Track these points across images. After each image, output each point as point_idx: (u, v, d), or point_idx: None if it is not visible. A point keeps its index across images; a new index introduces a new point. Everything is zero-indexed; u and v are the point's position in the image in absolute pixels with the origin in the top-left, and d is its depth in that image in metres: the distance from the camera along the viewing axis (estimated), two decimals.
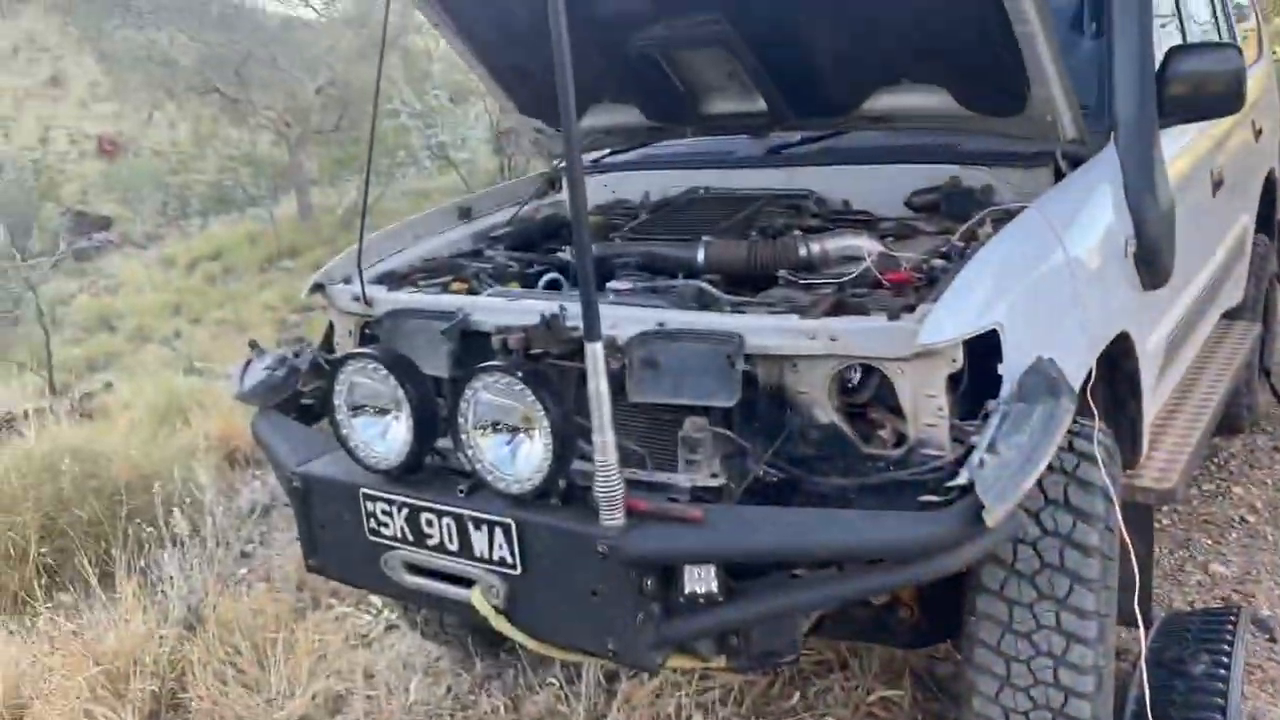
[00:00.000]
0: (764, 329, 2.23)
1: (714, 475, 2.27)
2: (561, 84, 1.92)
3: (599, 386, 2.04)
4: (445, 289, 2.84)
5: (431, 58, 17.39)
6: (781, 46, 2.85)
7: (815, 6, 2.69)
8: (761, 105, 3.05)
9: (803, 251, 2.63)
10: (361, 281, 2.85)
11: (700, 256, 2.71)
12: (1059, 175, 2.76)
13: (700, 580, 2.14)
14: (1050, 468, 2.17)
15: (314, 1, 18.66)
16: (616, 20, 2.95)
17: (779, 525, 2.14)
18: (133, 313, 13.06)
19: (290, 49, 17.72)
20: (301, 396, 2.98)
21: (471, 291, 2.79)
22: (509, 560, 2.25)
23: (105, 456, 4.65)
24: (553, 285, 2.86)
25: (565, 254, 3.08)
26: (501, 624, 2.28)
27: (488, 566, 2.28)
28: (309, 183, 18.51)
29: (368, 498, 2.43)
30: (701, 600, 2.14)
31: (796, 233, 2.73)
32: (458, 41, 3.32)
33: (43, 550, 4.17)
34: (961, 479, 1.93)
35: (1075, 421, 2.24)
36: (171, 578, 3.82)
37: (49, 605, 3.89)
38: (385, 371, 2.41)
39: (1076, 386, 2.27)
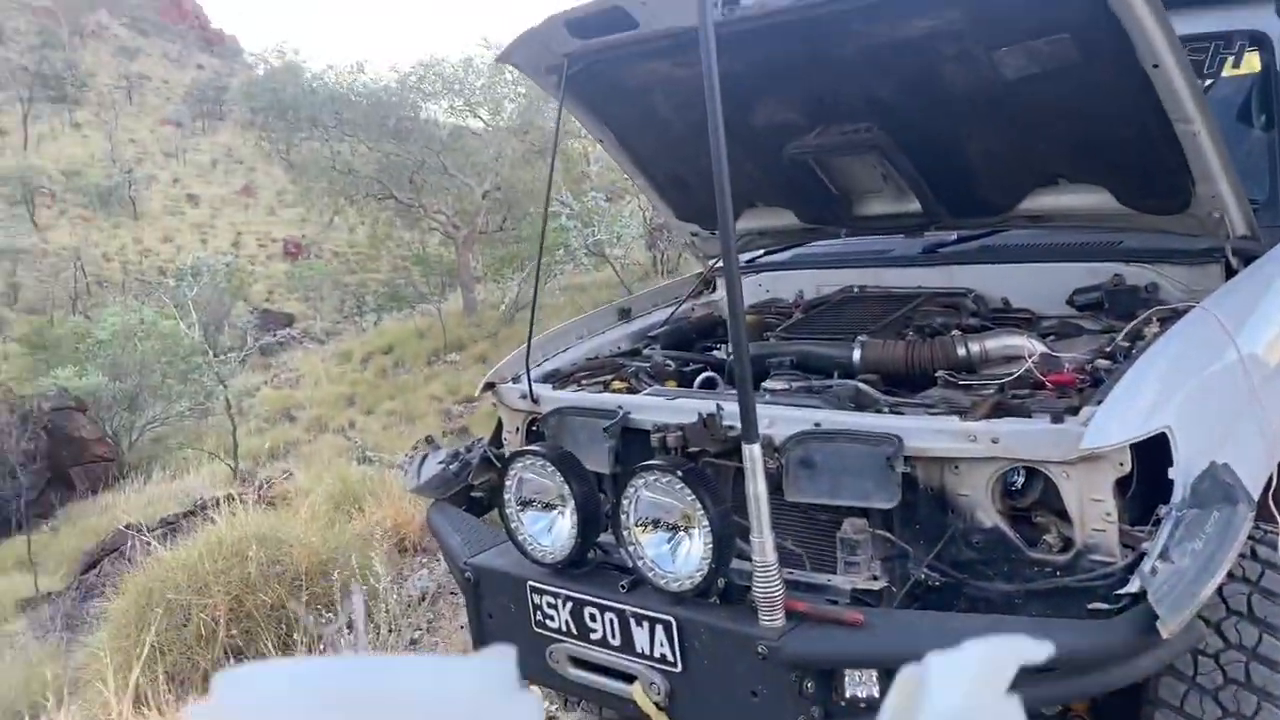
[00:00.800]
0: (923, 430, 2.23)
1: (874, 578, 2.26)
2: (719, 191, 2.01)
3: (757, 488, 2.08)
4: (606, 387, 2.95)
5: (589, 160, 18.08)
6: (934, 149, 2.89)
7: (968, 112, 2.73)
8: (915, 206, 3.09)
9: (962, 351, 2.62)
10: (529, 381, 2.99)
11: (856, 356, 2.74)
12: (1230, 272, 2.68)
13: (861, 684, 2.12)
14: (1231, 576, 2.08)
15: (481, 112, 19.71)
16: (770, 130, 3.05)
17: (942, 631, 2.11)
18: (312, 404, 13.80)
19: (459, 156, 18.74)
20: (472, 490, 3.13)
21: (631, 390, 2.89)
22: (669, 657, 2.29)
23: (287, 543, 4.92)
24: (709, 384, 2.94)
25: (721, 353, 3.15)
26: None
27: (649, 663, 2.32)
28: (474, 280, 19.34)
29: (534, 590, 2.51)
30: (863, 705, 2.13)
31: (955, 332, 2.73)
32: (618, 153, 3.49)
33: (231, 632, 4.43)
34: (1133, 587, 1.87)
35: (1257, 527, 2.15)
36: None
37: None
38: (552, 468, 2.51)
39: (1256, 490, 2.17)
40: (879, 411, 2.41)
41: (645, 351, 3.28)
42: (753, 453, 2.08)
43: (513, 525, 2.61)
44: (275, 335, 20.03)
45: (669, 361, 3.09)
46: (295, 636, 4.14)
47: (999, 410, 2.28)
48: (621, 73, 3.05)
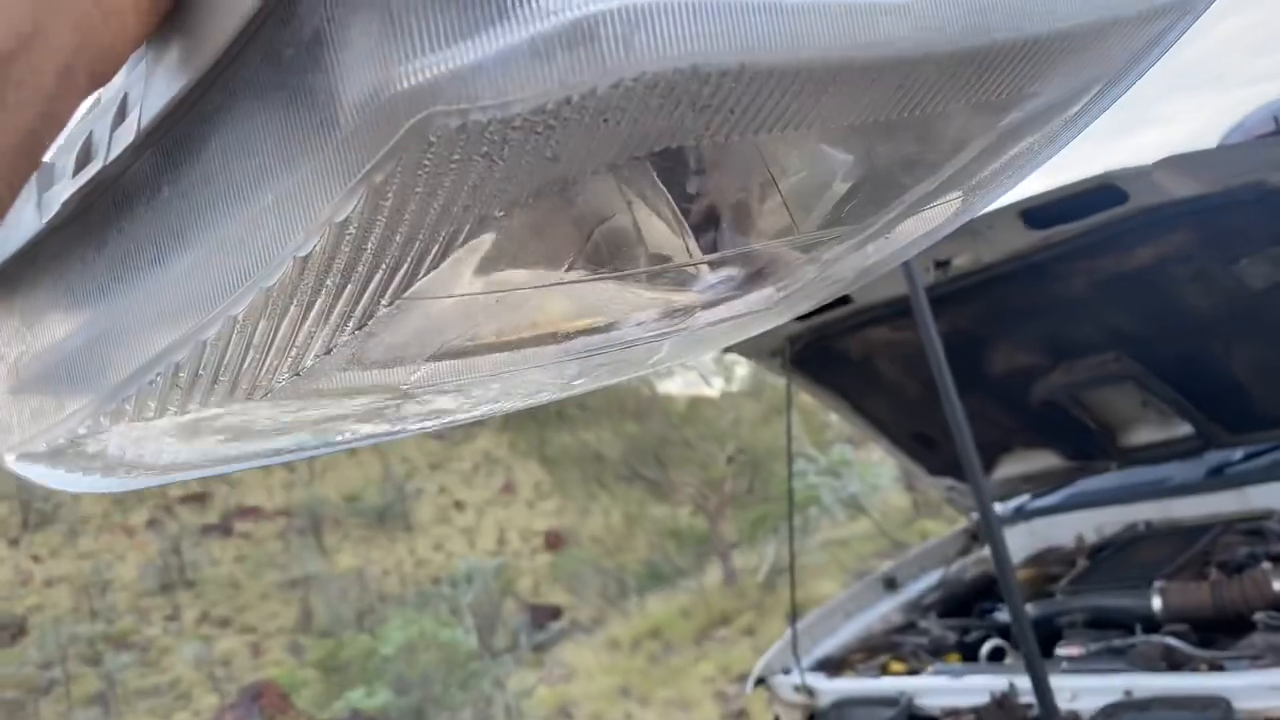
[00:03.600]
0: (1256, 689, 1.97)
1: None
2: (963, 450, 1.94)
3: None
4: (884, 670, 2.79)
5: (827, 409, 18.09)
6: (1193, 369, 2.72)
7: (1221, 327, 2.57)
8: (1187, 429, 2.88)
9: (1278, 586, 2.34)
10: (800, 672, 2.87)
11: (1157, 605, 2.49)
12: None
13: None
14: None
15: (714, 380, 20.34)
16: (1012, 374, 2.97)
17: None
18: (586, 698, 13.77)
19: (699, 426, 19.23)
20: None
21: (912, 670, 2.72)
22: None
23: None
24: (997, 654, 2.73)
25: (1002, 614, 2.94)
26: None
27: None
28: (730, 548, 19.26)
29: None
30: None
31: (1265, 564, 2.45)
32: (854, 419, 3.47)
33: None
34: None
35: None
36: None
37: None
38: None
39: None
40: (1196, 670, 2.16)
41: (920, 624, 3.11)
42: None
43: None
44: (545, 629, 20.43)
45: (948, 632, 2.91)
46: None
47: None
48: (843, 345, 3.08)
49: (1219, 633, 2.34)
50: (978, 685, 2.38)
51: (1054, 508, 3.38)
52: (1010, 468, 3.36)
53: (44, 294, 0.39)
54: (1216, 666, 2.14)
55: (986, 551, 3.48)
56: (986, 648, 2.74)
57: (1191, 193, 2.25)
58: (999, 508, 3.30)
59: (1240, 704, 1.95)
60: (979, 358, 2.93)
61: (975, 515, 3.58)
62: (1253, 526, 2.72)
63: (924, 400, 3.13)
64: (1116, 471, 3.23)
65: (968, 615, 3.07)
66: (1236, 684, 2.01)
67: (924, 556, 3.63)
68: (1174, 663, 2.23)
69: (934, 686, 2.52)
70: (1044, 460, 3.28)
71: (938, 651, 2.79)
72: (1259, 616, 2.28)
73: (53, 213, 0.35)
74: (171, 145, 0.32)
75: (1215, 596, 2.41)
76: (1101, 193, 2.29)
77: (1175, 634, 2.33)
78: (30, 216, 0.37)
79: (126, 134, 0.33)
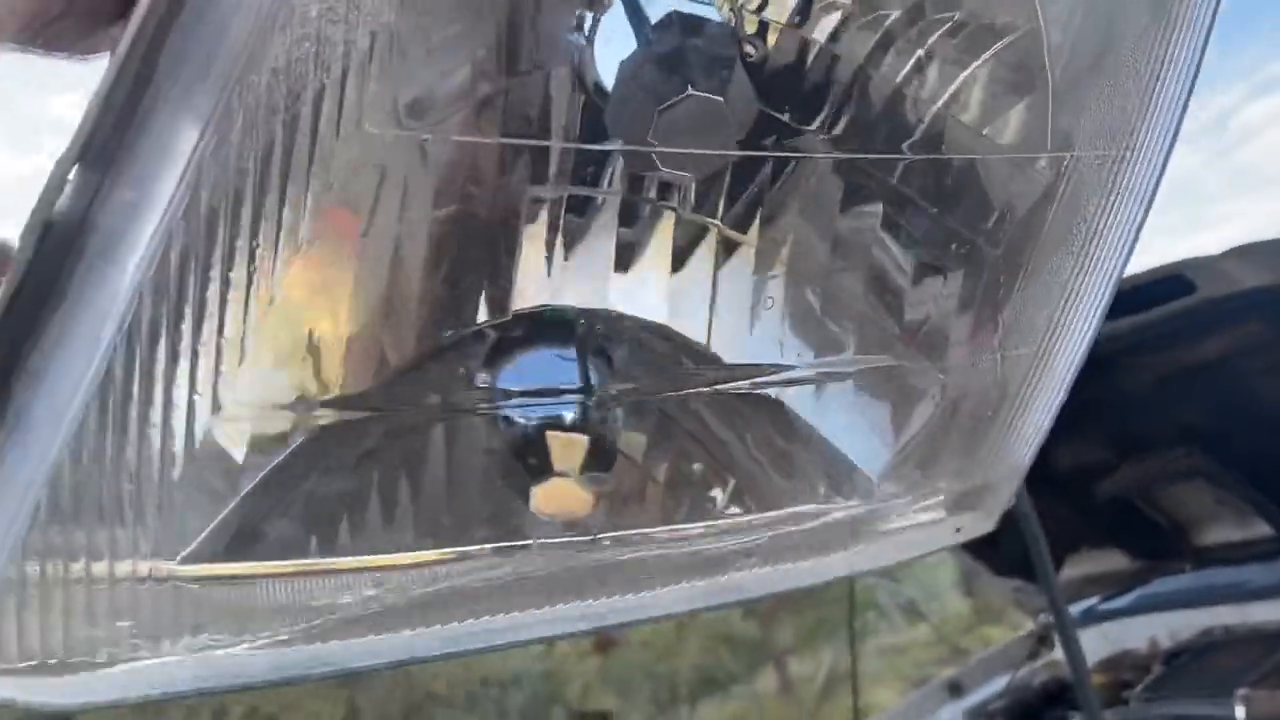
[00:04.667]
0: None
1: None
2: (1034, 545, 1.88)
3: None
4: None
5: None
6: (1272, 465, 2.63)
7: None
8: (1265, 528, 2.77)
9: None
10: None
11: (1240, 715, 2.36)
12: None
13: None
14: None
15: None
16: (1075, 471, 2.90)
17: None
18: None
19: None
20: None
21: None
22: None
23: None
24: None
25: None
26: None
27: None
28: (785, 654, 18.81)
29: None
30: None
31: None
32: None
33: None
34: None
35: None
36: None
37: None
38: None
39: None
40: None
41: None
42: None
43: None
44: None
45: None
46: None
47: None
48: None
49: None
50: None
51: (1125, 610, 3.25)
52: (1077, 568, 3.24)
53: None
54: None
55: (1055, 655, 3.35)
56: None
57: (1262, 282, 2.21)
58: (1069, 609, 3.19)
59: None
60: (1043, 453, 2.86)
61: (1043, 618, 3.45)
62: None
63: None
64: (1191, 573, 3.11)
65: None
66: None
67: (989, 661, 3.49)
68: None
69: None
70: (1113, 561, 3.18)
71: None
72: None
73: None
74: None
75: None
76: (1168, 283, 2.26)
77: None
78: None
79: None
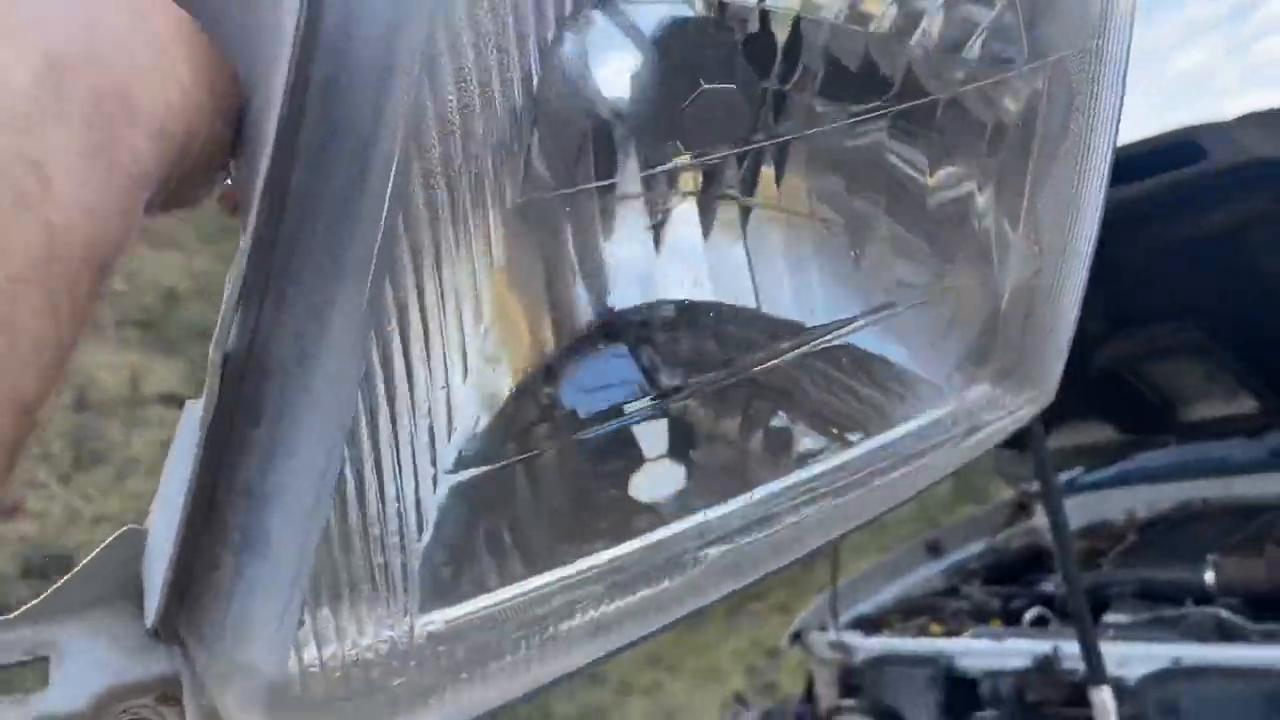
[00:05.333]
0: None
1: None
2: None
3: None
4: (922, 631, 2.75)
5: None
6: (1264, 341, 2.63)
7: None
8: (1252, 404, 2.79)
9: None
10: (837, 629, 2.84)
11: (1209, 579, 2.42)
12: None
13: None
14: None
15: None
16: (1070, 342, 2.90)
17: None
18: (614, 664, 13.78)
19: None
20: None
21: (951, 633, 2.67)
22: None
23: None
24: (1040, 621, 2.67)
25: (1048, 585, 2.88)
26: None
27: None
28: None
29: None
30: None
31: None
32: None
33: None
34: None
35: None
36: None
37: None
38: None
39: None
40: (1250, 642, 2.10)
41: (963, 590, 3.06)
42: (1103, 697, 1.84)
43: None
44: None
45: (991, 598, 2.86)
46: None
47: None
48: None
49: (1274, 609, 2.27)
50: (1020, 649, 2.33)
51: (1106, 482, 3.30)
52: (1063, 439, 3.28)
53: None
54: (1272, 639, 2.07)
55: (1034, 522, 3.42)
56: (1030, 615, 2.69)
57: (1274, 153, 2.17)
58: None
59: None
60: None
61: (1024, 487, 3.51)
62: None
63: None
64: (1175, 447, 3.14)
65: (1012, 584, 3.01)
66: None
67: (970, 525, 3.57)
68: (1226, 634, 2.17)
69: (974, 649, 2.48)
70: (1099, 433, 3.21)
71: (979, 616, 2.74)
72: None
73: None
74: None
75: (1271, 572, 2.34)
76: (1178, 149, 2.22)
77: (1228, 608, 2.26)
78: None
79: None
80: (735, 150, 0.41)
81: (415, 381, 0.35)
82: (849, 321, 0.48)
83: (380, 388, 0.34)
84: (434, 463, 0.36)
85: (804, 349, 0.45)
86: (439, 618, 0.38)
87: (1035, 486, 3.35)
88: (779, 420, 0.46)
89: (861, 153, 0.46)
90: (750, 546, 0.45)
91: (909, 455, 0.49)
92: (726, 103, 0.38)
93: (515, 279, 0.37)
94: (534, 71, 0.34)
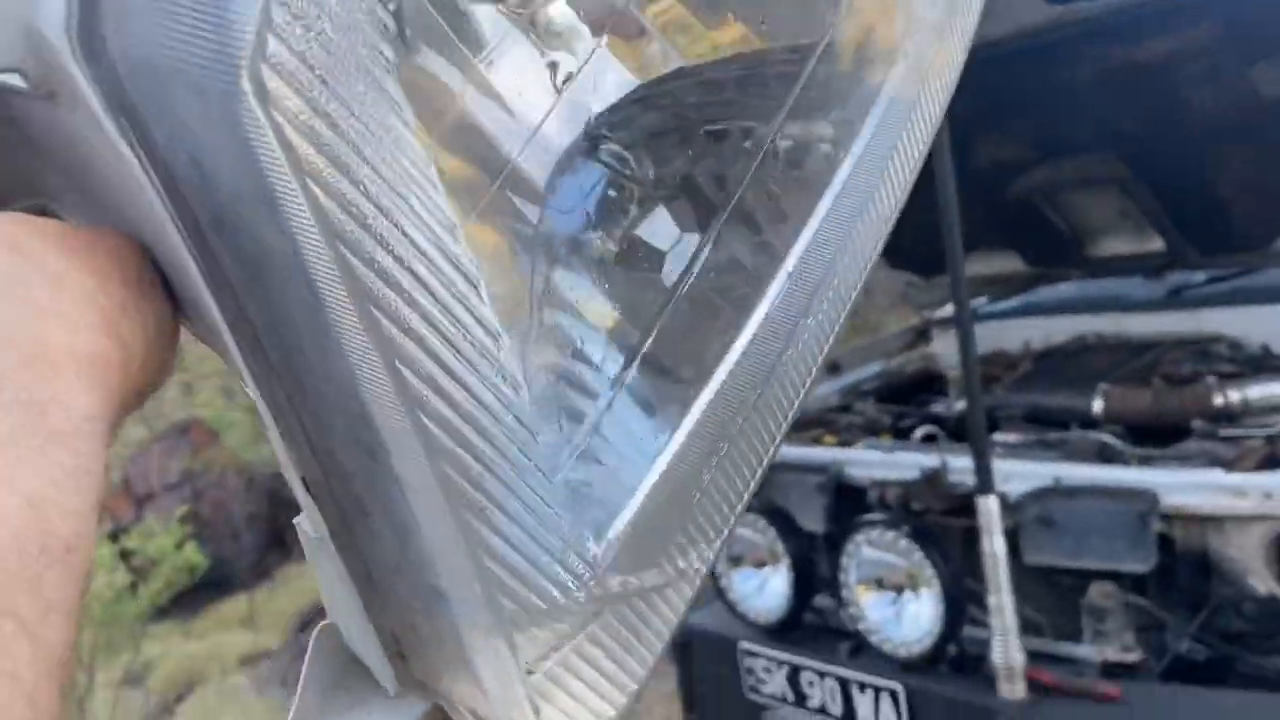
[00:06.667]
0: (1182, 485, 2.00)
1: (1127, 649, 2.03)
2: (949, 234, 1.88)
3: (994, 544, 1.91)
4: (816, 442, 2.81)
5: None
6: (1180, 181, 2.66)
7: (1220, 137, 2.49)
8: (1158, 244, 2.84)
9: (1219, 399, 2.36)
10: None
11: (1097, 407, 2.51)
12: None
13: None
14: None
15: None
16: (991, 168, 2.89)
17: (1213, 710, 1.87)
18: None
19: None
20: None
21: (843, 444, 2.74)
22: None
23: None
24: (928, 439, 2.75)
25: (939, 407, 2.97)
26: None
27: None
28: None
29: (746, 653, 2.39)
30: None
31: (1209, 379, 2.46)
32: None
33: None
34: None
35: None
36: None
37: None
38: (764, 523, 2.39)
39: None
40: (1128, 465, 2.19)
41: (857, 406, 3.13)
42: (989, 505, 1.91)
43: (722, 584, 2.49)
44: None
45: (884, 415, 2.93)
46: None
47: (1270, 463, 2.03)
48: None
49: (1152, 439, 2.37)
50: (909, 461, 2.40)
51: (1007, 312, 3.37)
52: (971, 267, 3.30)
53: None
54: (1148, 464, 2.17)
55: (931, 348, 3.49)
56: (920, 432, 2.77)
57: None
58: (948, 309, 3.28)
59: (1167, 499, 1.98)
60: (962, 146, 2.82)
61: (926, 314, 3.57)
62: (1201, 348, 2.72)
63: None
64: (1076, 282, 3.21)
65: (905, 404, 3.09)
66: (1165, 480, 2.03)
67: (868, 348, 3.63)
68: (1106, 457, 2.26)
69: (864, 459, 2.55)
70: (1006, 263, 3.25)
71: (872, 431, 2.81)
72: (1196, 424, 2.31)
73: None
74: None
75: (1156, 403, 2.43)
76: None
77: (1112, 434, 2.35)
78: None
79: None
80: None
81: (466, 395, 0.36)
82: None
83: (444, 425, 0.35)
84: (526, 455, 0.37)
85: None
86: (613, 566, 0.40)
87: (937, 314, 3.42)
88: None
89: None
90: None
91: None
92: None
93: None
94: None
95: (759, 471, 0.42)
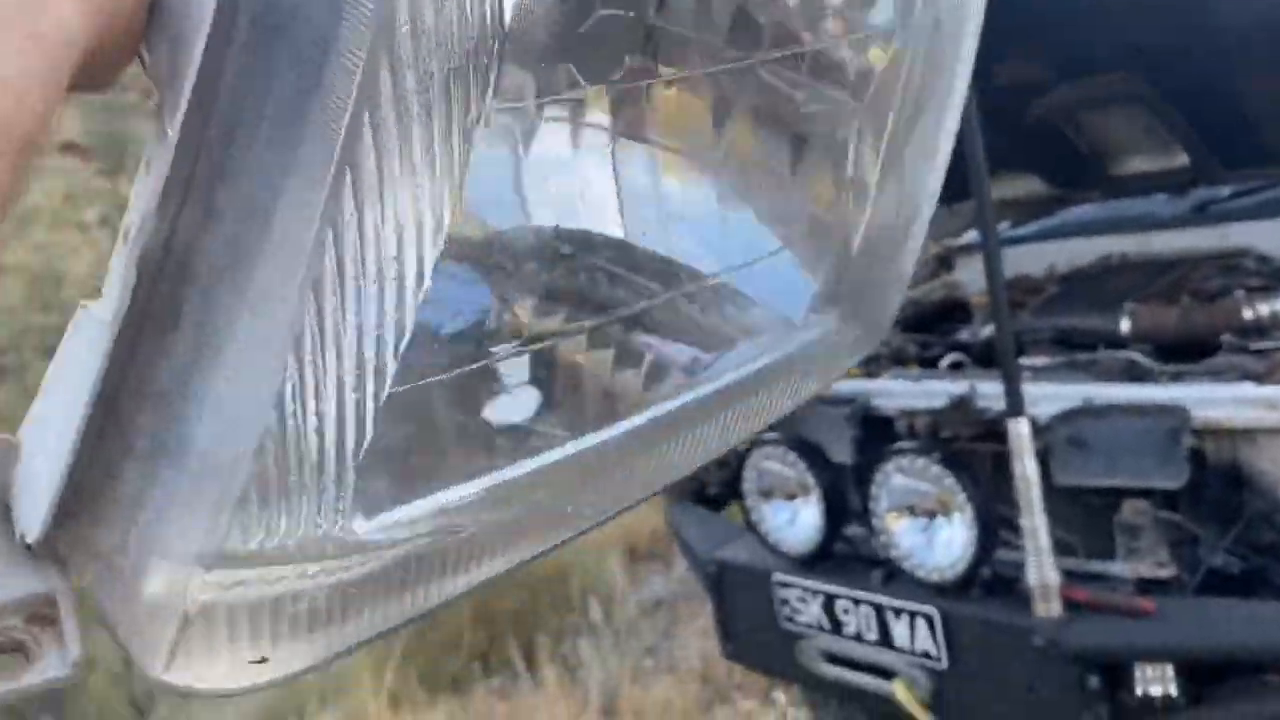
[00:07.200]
0: (1214, 400, 2.00)
1: (1161, 565, 2.04)
2: (973, 159, 1.87)
3: (1026, 466, 1.92)
4: (842, 374, 2.81)
5: None
6: (1204, 95, 2.62)
7: (1245, 49, 2.45)
8: (1182, 160, 2.80)
9: (1249, 313, 2.35)
10: None
11: (1124, 326, 2.49)
12: None
13: (1155, 681, 1.91)
14: None
15: None
16: (1010, 90, 2.85)
17: (1248, 621, 1.89)
18: None
19: None
20: (705, 485, 3.05)
21: (869, 375, 2.74)
22: (934, 653, 2.14)
23: None
24: (955, 366, 2.75)
25: (964, 335, 2.96)
26: None
27: (910, 658, 2.18)
28: None
29: (780, 584, 2.42)
30: (1158, 704, 1.91)
31: (1238, 293, 2.45)
32: None
33: (476, 635, 4.55)
34: None
35: None
36: (589, 665, 4.01)
37: (482, 688, 4.22)
38: (794, 456, 2.41)
39: None
40: (1158, 382, 2.18)
41: None
42: (1019, 428, 1.92)
43: (754, 518, 2.52)
44: None
45: (909, 344, 2.93)
46: (538, 640, 4.20)
47: None
48: None
49: (1181, 357, 2.36)
50: (936, 389, 2.40)
51: (1029, 237, 3.34)
52: (993, 192, 3.28)
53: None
54: (1178, 380, 2.16)
55: (953, 276, 3.47)
56: (946, 360, 2.77)
57: None
58: (970, 235, 3.26)
59: (1198, 414, 1.98)
60: (980, 67, 2.78)
61: (948, 242, 3.54)
62: (1228, 263, 2.70)
63: None
64: (1099, 203, 3.17)
65: (928, 333, 3.08)
66: (1195, 395, 2.03)
67: None
68: (1135, 375, 2.26)
69: (892, 388, 2.55)
70: (1027, 186, 3.22)
71: (898, 361, 2.81)
72: (1225, 339, 2.29)
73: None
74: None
75: (1184, 320, 2.42)
76: None
77: (1140, 352, 2.34)
78: None
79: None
80: (624, 83, 0.41)
81: (366, 286, 0.33)
82: (719, 264, 0.49)
83: (329, 292, 0.32)
84: (380, 372, 0.34)
85: (672, 292, 0.45)
86: (372, 523, 0.37)
87: (959, 241, 3.39)
88: (640, 357, 0.46)
89: (736, 97, 0.46)
90: (618, 478, 0.47)
91: (761, 387, 0.51)
92: (622, 30, 0.38)
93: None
94: None
95: None
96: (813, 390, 0.55)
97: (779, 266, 0.50)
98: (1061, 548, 2.12)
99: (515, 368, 0.40)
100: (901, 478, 2.19)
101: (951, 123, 0.55)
